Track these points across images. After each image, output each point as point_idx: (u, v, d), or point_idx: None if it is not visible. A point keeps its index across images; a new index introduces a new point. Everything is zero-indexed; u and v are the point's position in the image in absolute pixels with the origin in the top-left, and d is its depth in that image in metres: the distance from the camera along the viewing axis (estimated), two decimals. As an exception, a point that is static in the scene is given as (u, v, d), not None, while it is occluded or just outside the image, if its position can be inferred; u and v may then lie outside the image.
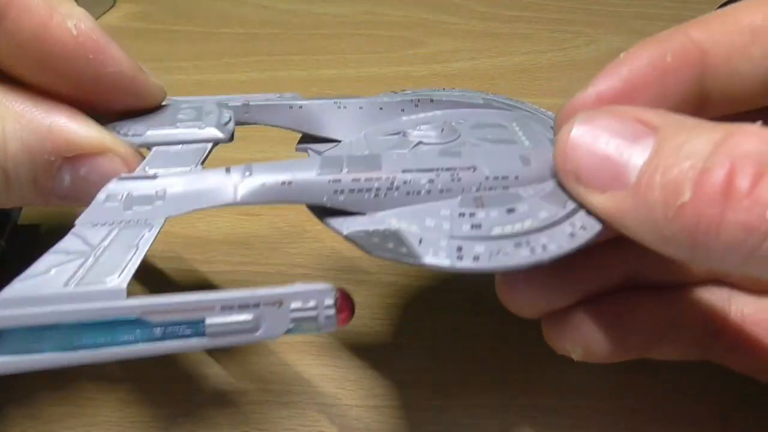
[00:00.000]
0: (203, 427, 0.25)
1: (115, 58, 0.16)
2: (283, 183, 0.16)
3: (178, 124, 0.17)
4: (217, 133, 0.17)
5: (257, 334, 0.13)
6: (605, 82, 0.18)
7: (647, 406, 0.25)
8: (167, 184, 0.15)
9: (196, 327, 0.13)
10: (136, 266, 0.13)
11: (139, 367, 0.26)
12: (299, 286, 0.13)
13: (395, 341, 0.27)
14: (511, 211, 0.16)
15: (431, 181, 0.16)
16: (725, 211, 0.13)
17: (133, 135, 0.17)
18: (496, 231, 0.16)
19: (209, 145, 0.17)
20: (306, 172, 0.16)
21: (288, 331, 0.14)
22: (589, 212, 0.16)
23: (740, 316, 0.22)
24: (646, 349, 0.21)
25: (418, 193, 0.16)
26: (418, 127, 0.18)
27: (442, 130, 0.18)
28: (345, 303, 0.14)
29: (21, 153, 0.16)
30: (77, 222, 0.15)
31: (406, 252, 0.15)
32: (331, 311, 0.14)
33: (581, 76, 0.40)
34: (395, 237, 0.16)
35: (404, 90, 0.22)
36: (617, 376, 0.26)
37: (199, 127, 0.17)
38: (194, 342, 0.13)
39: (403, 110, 0.20)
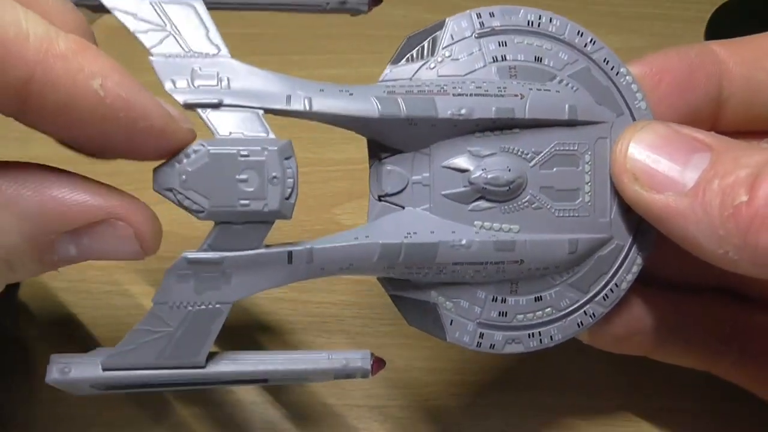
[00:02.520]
0: (203, 427, 0.25)
1: (145, 112, 0.15)
2: (341, 268, 0.17)
3: (240, 202, 0.16)
4: (279, 213, 0.16)
5: (305, 383, 0.18)
6: (638, 66, 0.20)
7: (647, 404, 0.25)
8: (232, 270, 0.17)
9: (260, 381, 0.18)
10: (211, 345, 0.17)
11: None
12: (344, 358, 0.17)
13: (395, 341, 0.27)
14: (538, 299, 0.19)
15: (477, 271, 0.18)
16: None
17: (196, 210, 0.16)
18: (518, 319, 0.19)
19: (270, 225, 0.17)
20: (364, 260, 0.17)
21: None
22: (639, 210, 0.18)
23: (751, 326, 0.22)
24: (654, 344, 0.22)
25: (463, 277, 0.18)
26: (485, 170, 0.18)
27: (508, 189, 0.18)
28: (378, 366, 0.18)
29: (20, 242, 0.15)
30: (154, 301, 0.16)
31: (437, 330, 0.18)
32: (367, 372, 0.18)
33: (581, 76, 0.40)
34: (432, 311, 0.18)
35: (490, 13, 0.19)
36: (617, 375, 0.26)
37: (263, 208, 0.16)
38: (256, 385, 0.18)
39: (477, 125, 0.18)
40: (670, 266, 0.21)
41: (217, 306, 0.17)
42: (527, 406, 0.26)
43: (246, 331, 0.28)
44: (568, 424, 0.25)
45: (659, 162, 0.17)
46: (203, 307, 0.17)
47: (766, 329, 0.22)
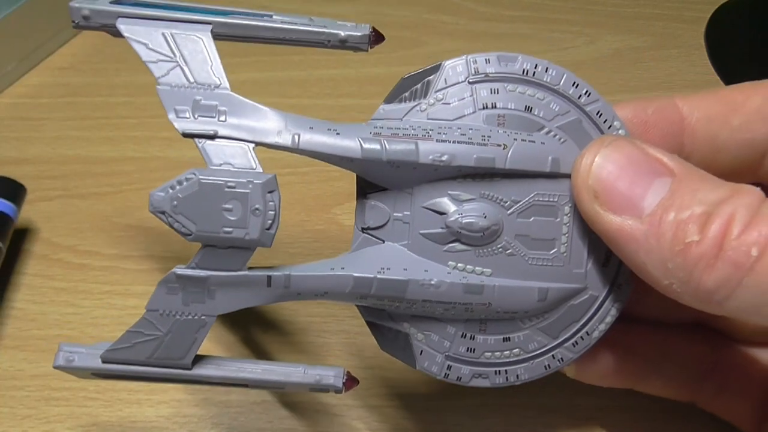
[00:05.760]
0: (204, 426, 0.25)
1: None
2: (316, 295, 0.18)
3: (224, 229, 0.17)
4: (259, 242, 0.17)
5: (282, 390, 0.21)
6: None
7: (647, 404, 0.25)
8: (216, 288, 0.18)
9: (241, 385, 0.19)
10: (197, 350, 0.18)
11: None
12: (318, 374, 0.19)
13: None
14: (506, 339, 0.19)
15: (447, 309, 0.19)
16: (720, 251, 0.15)
17: (184, 233, 0.17)
18: (486, 356, 0.19)
19: (252, 251, 0.18)
20: (338, 290, 0.18)
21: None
22: (594, 228, 0.18)
23: (729, 362, 0.23)
24: (637, 378, 0.23)
25: (433, 313, 0.19)
26: (462, 214, 0.18)
27: (483, 235, 0.18)
28: (351, 384, 0.19)
29: None
30: (147, 307, 0.18)
31: (407, 357, 0.19)
32: (339, 389, 0.19)
33: (581, 76, 0.40)
34: (404, 339, 0.19)
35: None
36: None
37: (244, 236, 0.17)
38: (238, 387, 0.19)
39: (459, 171, 0.18)
40: (651, 304, 0.22)
41: (203, 317, 0.18)
42: (527, 406, 0.26)
43: (247, 332, 0.28)
44: (568, 424, 0.25)
45: (621, 183, 0.17)
46: (189, 317, 0.18)
47: (742, 364, 0.23)
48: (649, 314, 0.23)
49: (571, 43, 0.43)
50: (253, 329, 0.28)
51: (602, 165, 0.17)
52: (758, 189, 0.16)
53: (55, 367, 0.19)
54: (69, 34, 0.40)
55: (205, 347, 0.27)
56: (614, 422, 0.25)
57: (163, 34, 0.18)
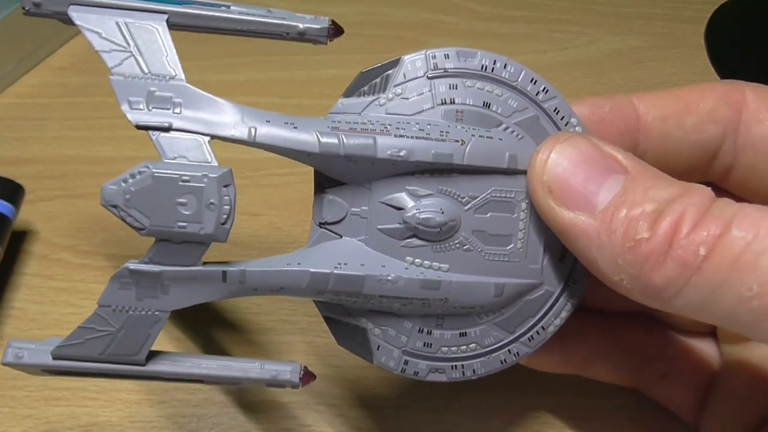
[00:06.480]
0: (203, 427, 0.25)
1: None
2: (272, 290, 0.18)
3: (178, 224, 0.17)
4: (214, 237, 0.17)
5: (238, 386, 0.20)
6: None
7: (645, 404, 0.25)
8: (170, 283, 0.18)
9: (196, 381, 0.19)
10: (151, 346, 0.18)
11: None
12: (274, 369, 0.18)
13: (395, 341, 0.27)
14: (463, 334, 0.19)
15: (404, 305, 0.19)
16: (669, 249, 0.15)
17: (137, 228, 0.17)
18: (443, 351, 0.19)
19: (207, 246, 0.18)
20: (294, 285, 0.18)
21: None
22: (548, 222, 0.18)
23: (671, 349, 0.24)
24: (585, 364, 0.24)
25: (390, 308, 0.19)
26: (419, 210, 0.18)
27: (440, 230, 0.18)
28: (307, 379, 0.19)
29: None
30: (99, 303, 0.18)
31: (365, 352, 0.19)
32: (296, 384, 0.19)
33: (581, 76, 0.40)
34: (362, 334, 0.19)
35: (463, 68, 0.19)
36: (617, 376, 0.26)
37: (199, 231, 0.17)
38: (192, 382, 0.19)
39: (416, 166, 0.18)
40: (598, 294, 0.22)
41: (156, 313, 0.18)
42: (527, 406, 0.26)
43: (247, 332, 0.28)
44: (568, 424, 0.25)
45: (575, 179, 0.17)
46: (143, 312, 0.18)
47: (683, 353, 0.24)
48: (596, 304, 0.24)
49: (571, 43, 0.43)
50: (252, 331, 0.28)
51: (557, 161, 0.17)
52: (709, 188, 0.16)
53: (4, 364, 0.18)
54: (69, 34, 0.40)
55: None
56: (613, 422, 0.25)
57: (116, 23, 0.18)
